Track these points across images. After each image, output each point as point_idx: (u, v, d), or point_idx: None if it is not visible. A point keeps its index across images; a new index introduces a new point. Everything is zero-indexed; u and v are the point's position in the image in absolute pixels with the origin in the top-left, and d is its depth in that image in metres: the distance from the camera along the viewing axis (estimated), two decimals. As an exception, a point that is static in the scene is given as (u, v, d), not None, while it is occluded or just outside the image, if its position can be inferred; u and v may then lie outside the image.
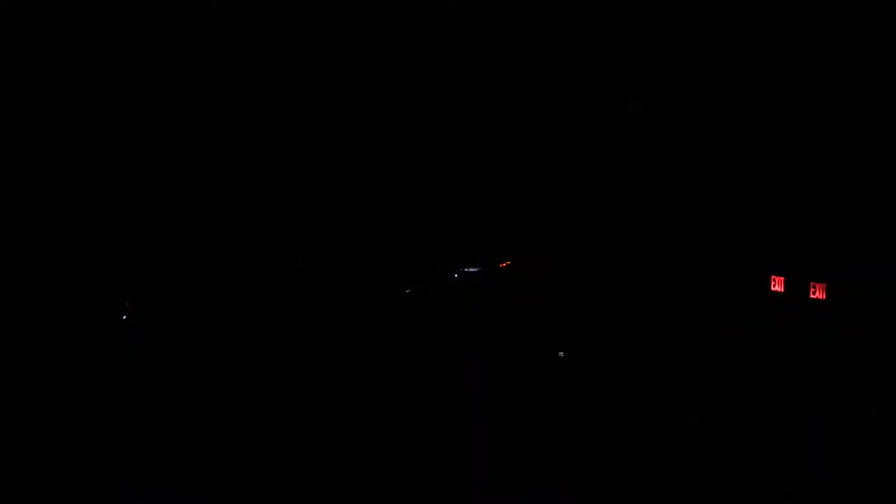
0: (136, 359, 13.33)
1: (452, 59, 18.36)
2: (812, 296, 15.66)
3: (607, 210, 19.04)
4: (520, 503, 10.40)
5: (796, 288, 16.04)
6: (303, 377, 13.59)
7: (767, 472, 11.00)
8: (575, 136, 19.07)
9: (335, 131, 18.09)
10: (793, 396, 12.81)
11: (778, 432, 11.87)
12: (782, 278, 16.32)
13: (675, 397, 12.98)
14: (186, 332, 14.29)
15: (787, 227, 16.80)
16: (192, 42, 17.13)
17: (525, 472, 11.04)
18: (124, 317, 14.16)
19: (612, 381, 13.73)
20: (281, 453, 11.42)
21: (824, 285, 15.52)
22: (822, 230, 16.23)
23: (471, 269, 17.75)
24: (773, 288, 16.47)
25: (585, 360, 14.36)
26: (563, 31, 18.67)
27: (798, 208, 16.70)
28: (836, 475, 10.82)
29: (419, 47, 18.52)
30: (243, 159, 17.48)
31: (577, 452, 11.45)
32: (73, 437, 11.27)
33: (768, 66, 16.70)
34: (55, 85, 15.63)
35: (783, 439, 11.72)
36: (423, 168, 18.30)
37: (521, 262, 17.62)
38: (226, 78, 17.43)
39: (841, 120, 15.87)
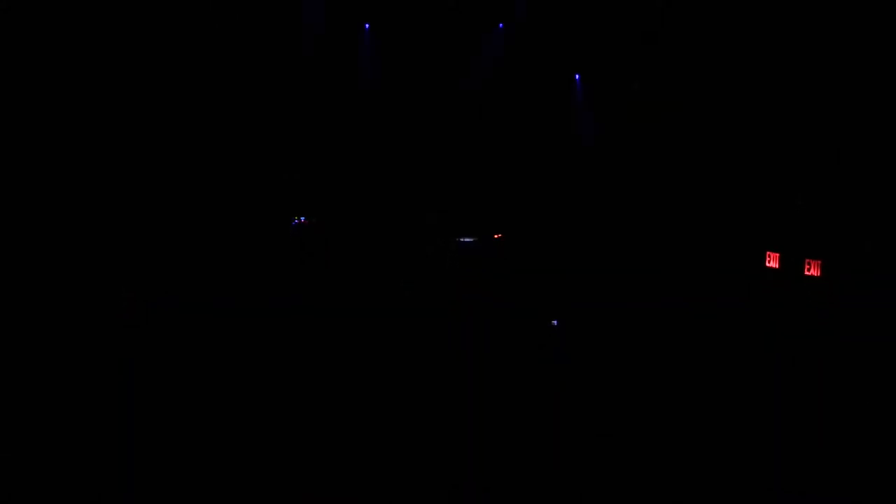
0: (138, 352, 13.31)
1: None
2: (807, 272, 15.72)
3: (611, 185, 19.18)
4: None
5: (791, 264, 16.11)
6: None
7: (758, 447, 11.12)
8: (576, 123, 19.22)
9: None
10: (787, 372, 12.90)
11: (771, 409, 11.96)
12: (777, 254, 16.37)
13: (669, 378, 13.06)
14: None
15: (784, 205, 16.82)
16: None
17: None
18: (124, 309, 14.12)
19: (606, 354, 13.84)
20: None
21: (819, 262, 15.56)
22: (819, 208, 16.26)
23: (466, 239, 18.15)
24: (768, 264, 16.52)
25: (579, 331, 14.47)
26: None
27: (795, 186, 16.71)
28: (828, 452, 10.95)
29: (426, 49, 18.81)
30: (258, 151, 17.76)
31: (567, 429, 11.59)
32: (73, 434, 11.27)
33: (765, 58, 16.65)
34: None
35: (775, 415, 11.82)
36: (429, 157, 18.74)
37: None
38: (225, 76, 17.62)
39: (832, 106, 15.86)
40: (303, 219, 17.99)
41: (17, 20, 15.47)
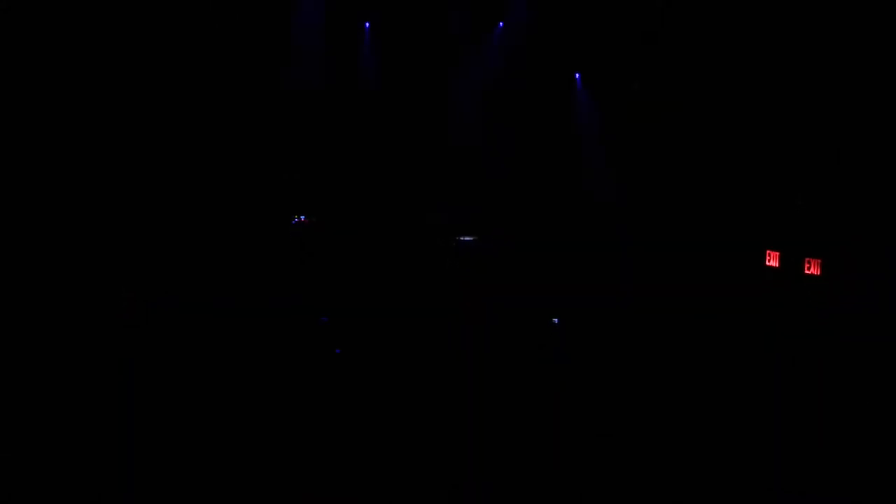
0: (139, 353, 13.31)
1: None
2: (807, 271, 15.71)
3: (611, 185, 19.17)
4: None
5: (791, 263, 16.10)
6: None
7: (758, 447, 11.13)
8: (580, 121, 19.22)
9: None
10: (787, 372, 12.89)
11: (771, 408, 11.96)
12: (777, 253, 16.37)
13: (669, 378, 13.07)
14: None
15: (784, 204, 16.80)
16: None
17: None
18: (124, 309, 14.11)
19: (607, 354, 13.85)
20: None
21: (819, 261, 15.56)
22: (819, 208, 16.24)
23: (466, 239, 18.20)
24: (767, 263, 16.51)
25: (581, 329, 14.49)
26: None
27: (795, 186, 16.70)
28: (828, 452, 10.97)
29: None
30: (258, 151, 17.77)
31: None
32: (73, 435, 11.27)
33: (765, 58, 16.64)
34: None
35: (775, 415, 11.82)
36: (429, 157, 18.91)
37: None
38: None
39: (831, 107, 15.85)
40: (303, 218, 18.00)
41: (16, 20, 15.48)
